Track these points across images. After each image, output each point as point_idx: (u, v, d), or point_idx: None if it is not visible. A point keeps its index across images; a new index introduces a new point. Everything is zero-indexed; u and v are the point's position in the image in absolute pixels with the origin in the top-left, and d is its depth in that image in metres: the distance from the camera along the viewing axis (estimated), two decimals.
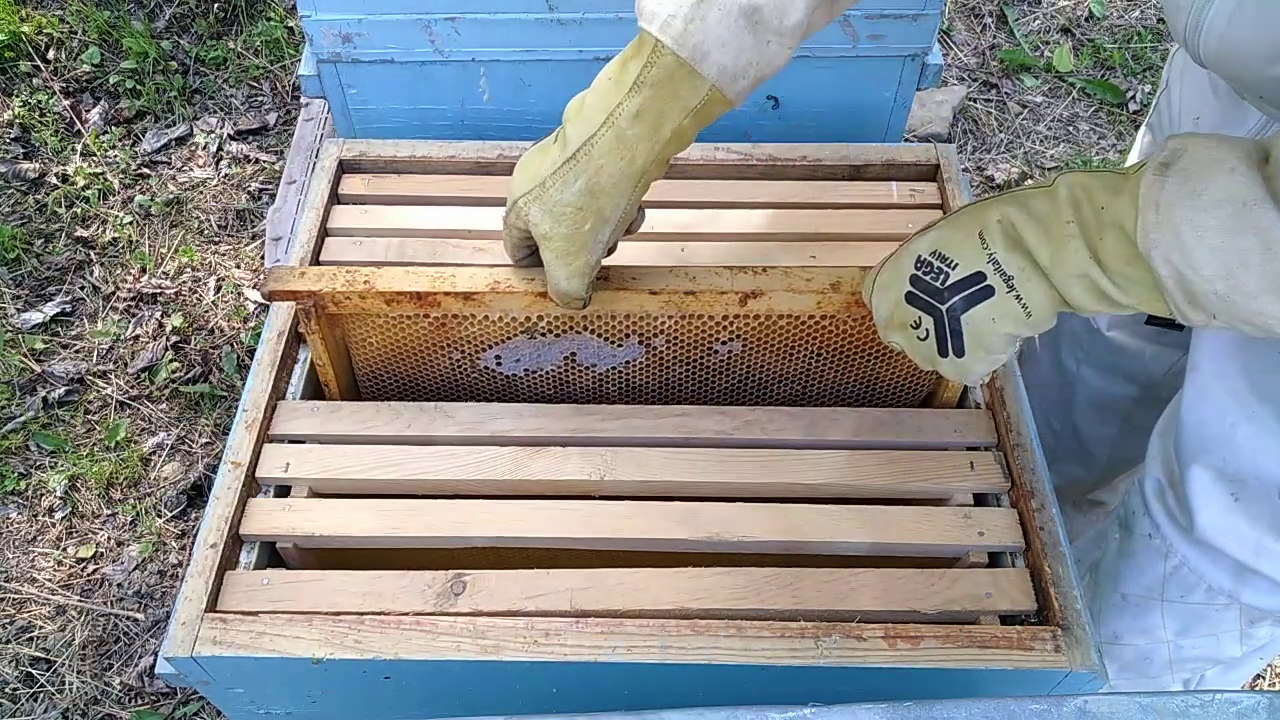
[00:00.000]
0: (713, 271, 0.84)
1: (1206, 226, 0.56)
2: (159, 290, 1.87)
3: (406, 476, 0.84)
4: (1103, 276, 0.62)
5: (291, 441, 0.87)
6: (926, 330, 0.72)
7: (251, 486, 0.84)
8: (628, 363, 0.92)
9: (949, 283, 0.69)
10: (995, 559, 0.82)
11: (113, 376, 1.76)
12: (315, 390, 0.94)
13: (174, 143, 2.11)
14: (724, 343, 0.89)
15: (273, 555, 0.84)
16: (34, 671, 1.46)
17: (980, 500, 0.85)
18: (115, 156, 2.06)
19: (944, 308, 0.70)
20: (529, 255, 0.82)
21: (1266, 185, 0.55)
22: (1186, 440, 0.86)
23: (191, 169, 2.07)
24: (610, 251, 0.79)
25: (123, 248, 1.93)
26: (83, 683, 1.46)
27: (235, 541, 0.81)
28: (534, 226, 0.76)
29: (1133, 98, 2.23)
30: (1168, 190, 0.58)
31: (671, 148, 0.73)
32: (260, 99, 2.21)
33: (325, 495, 0.85)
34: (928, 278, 0.70)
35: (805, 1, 0.67)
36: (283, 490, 0.85)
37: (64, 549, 1.58)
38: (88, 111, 2.14)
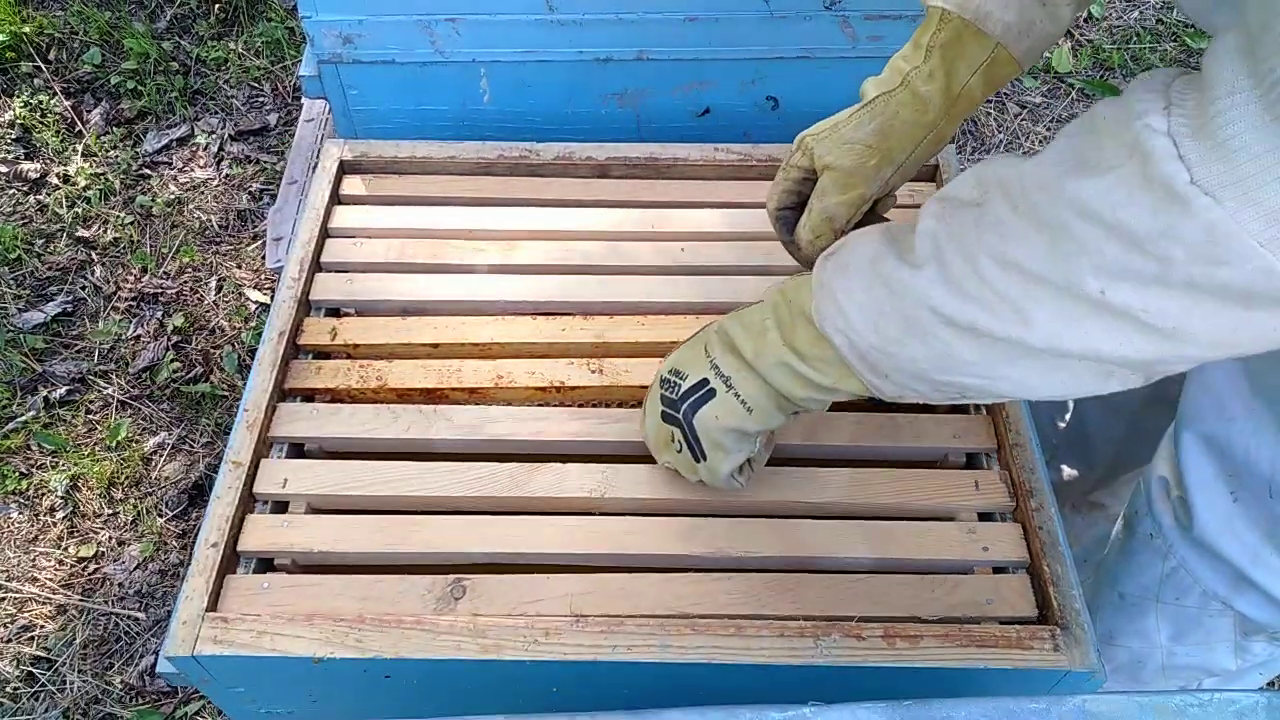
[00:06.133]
0: None
1: (853, 289, 0.64)
2: (160, 290, 1.88)
3: (405, 493, 0.83)
4: (799, 361, 0.69)
5: (292, 445, 0.87)
6: (680, 443, 0.78)
7: (251, 486, 0.84)
8: None
9: (680, 392, 0.76)
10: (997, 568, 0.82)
11: (114, 376, 1.77)
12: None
13: (175, 143, 2.11)
14: None
15: (271, 569, 0.84)
16: (35, 671, 1.46)
17: (984, 515, 0.85)
18: (116, 157, 2.06)
19: (680, 416, 0.76)
20: (795, 205, 0.87)
21: (895, 244, 0.62)
22: (1181, 415, 0.86)
23: (192, 169, 2.07)
24: (886, 194, 0.85)
25: (124, 248, 1.93)
26: (84, 682, 1.46)
27: (235, 544, 0.81)
28: (819, 158, 0.82)
29: None
30: (828, 269, 0.67)
31: (962, 106, 0.79)
32: (261, 100, 2.21)
33: (323, 511, 0.85)
34: (669, 393, 0.77)
35: None
36: (280, 505, 0.85)
37: (65, 548, 1.58)
38: (89, 112, 2.14)
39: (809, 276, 0.69)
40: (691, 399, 0.75)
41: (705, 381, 0.75)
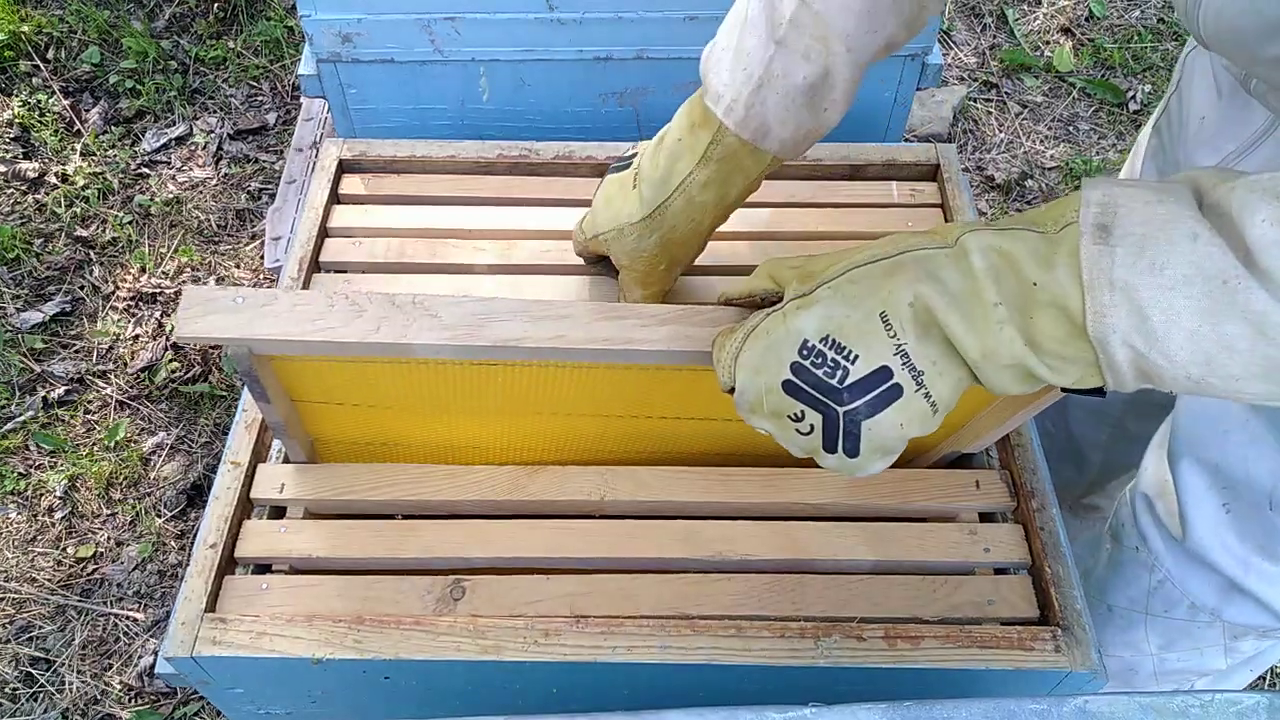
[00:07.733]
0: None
1: (1178, 309, 0.47)
2: (159, 290, 1.87)
3: (402, 497, 0.83)
4: (1038, 363, 0.53)
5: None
6: (811, 426, 0.58)
7: (249, 486, 0.83)
8: None
9: (849, 382, 0.56)
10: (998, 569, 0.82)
11: (112, 376, 1.76)
12: None
13: (173, 142, 2.11)
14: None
15: (270, 571, 0.83)
16: (34, 671, 1.46)
17: (986, 516, 0.85)
18: (115, 156, 2.06)
19: (842, 410, 0.57)
20: (596, 262, 0.95)
21: (1234, 246, 0.47)
22: (1179, 441, 0.86)
23: (191, 169, 2.07)
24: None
25: (122, 247, 1.93)
26: (83, 683, 1.46)
27: (233, 547, 0.80)
28: (615, 258, 0.86)
29: (1133, 98, 2.23)
30: (1120, 264, 0.48)
31: (737, 204, 0.81)
32: (260, 99, 2.21)
33: (321, 515, 0.84)
34: (819, 371, 0.57)
35: (850, 68, 0.71)
36: (278, 511, 0.84)
37: (64, 549, 1.58)
38: (87, 111, 2.14)
39: (1050, 243, 0.52)
40: (868, 397, 0.56)
41: (888, 373, 0.56)
